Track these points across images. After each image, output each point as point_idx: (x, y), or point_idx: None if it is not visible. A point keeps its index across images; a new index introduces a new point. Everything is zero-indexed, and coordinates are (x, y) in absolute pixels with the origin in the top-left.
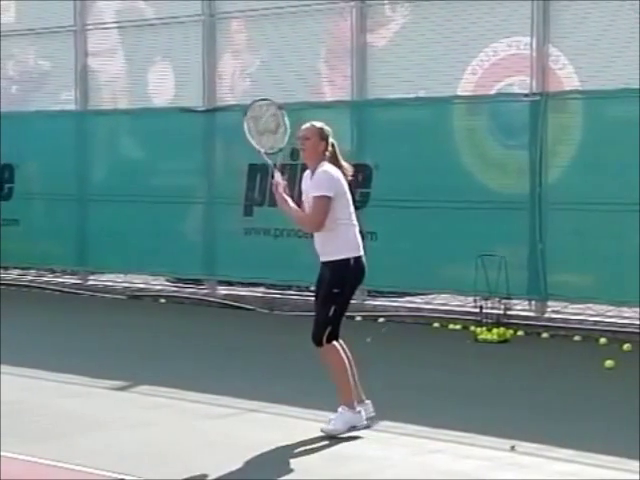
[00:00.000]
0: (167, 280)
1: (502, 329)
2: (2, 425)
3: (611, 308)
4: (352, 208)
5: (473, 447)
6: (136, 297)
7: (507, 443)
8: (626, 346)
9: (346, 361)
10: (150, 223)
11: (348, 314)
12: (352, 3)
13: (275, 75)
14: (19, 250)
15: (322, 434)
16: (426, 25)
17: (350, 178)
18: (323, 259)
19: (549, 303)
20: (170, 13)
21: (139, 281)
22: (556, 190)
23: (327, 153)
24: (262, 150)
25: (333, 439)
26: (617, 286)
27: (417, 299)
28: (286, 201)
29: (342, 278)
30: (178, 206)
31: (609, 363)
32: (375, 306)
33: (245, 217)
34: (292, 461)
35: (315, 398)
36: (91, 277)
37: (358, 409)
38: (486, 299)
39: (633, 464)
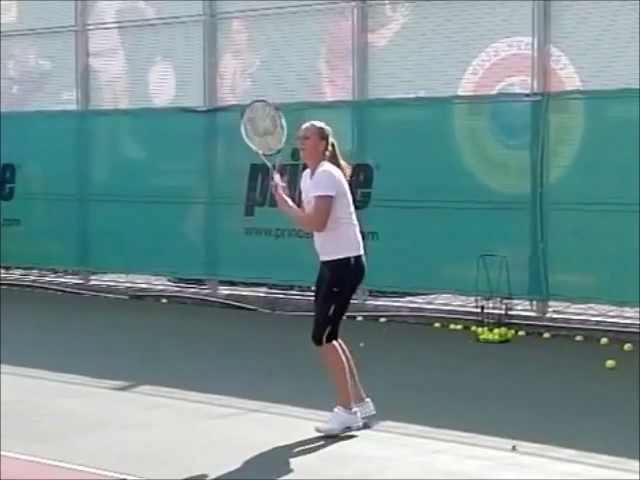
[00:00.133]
0: (169, 280)
1: (503, 329)
2: (3, 425)
3: (613, 308)
4: (352, 207)
5: (474, 447)
6: (138, 297)
7: (508, 443)
8: (627, 346)
9: (345, 361)
10: (152, 223)
11: (349, 314)
12: (353, 3)
13: (276, 75)
14: (20, 250)
15: (323, 434)
16: (427, 25)
17: (348, 178)
18: (323, 258)
19: (550, 303)
20: (171, 13)
21: (141, 281)
22: (557, 190)
23: (327, 153)
24: (260, 152)
25: (333, 439)
26: (618, 286)
27: (418, 299)
28: (286, 202)
29: (342, 277)
30: (179, 206)
31: (610, 363)
32: (376, 306)
33: (246, 217)
34: (293, 461)
35: (316, 398)
36: (93, 277)
37: (354, 410)
38: (487, 299)
39: (634, 464)
